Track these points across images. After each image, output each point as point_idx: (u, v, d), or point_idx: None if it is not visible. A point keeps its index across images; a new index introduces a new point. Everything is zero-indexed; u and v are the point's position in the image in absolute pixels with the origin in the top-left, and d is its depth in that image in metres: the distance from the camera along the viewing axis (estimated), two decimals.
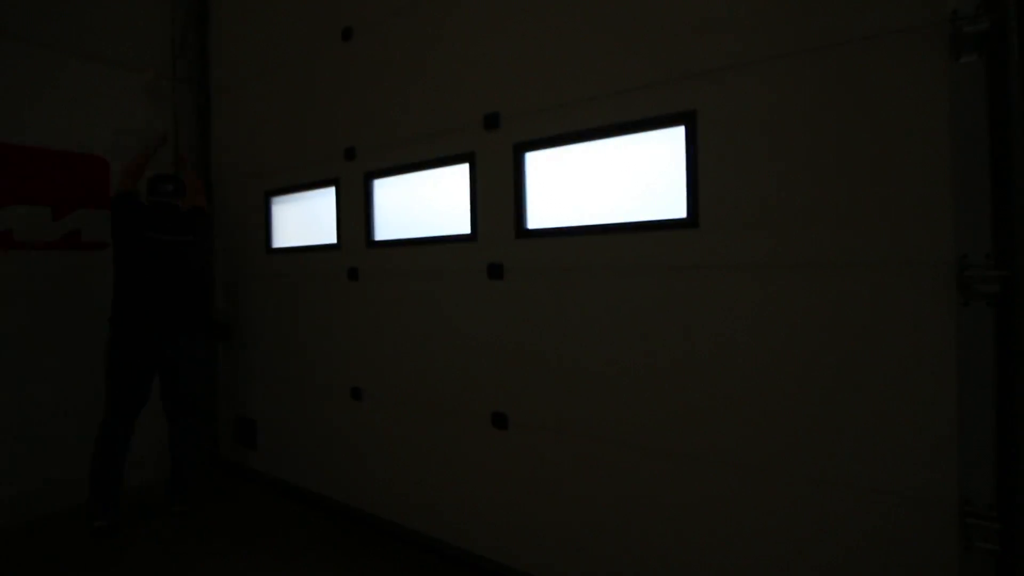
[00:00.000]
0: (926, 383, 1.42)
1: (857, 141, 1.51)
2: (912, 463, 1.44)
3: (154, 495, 3.02)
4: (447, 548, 2.41)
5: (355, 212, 2.79)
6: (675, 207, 1.83)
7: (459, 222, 2.38)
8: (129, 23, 3.28)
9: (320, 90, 2.95)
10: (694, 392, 1.77)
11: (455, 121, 2.36)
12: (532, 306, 2.14)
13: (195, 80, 3.60)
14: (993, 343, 1.35)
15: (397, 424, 2.63)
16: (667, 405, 1.83)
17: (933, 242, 1.41)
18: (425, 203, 2.55)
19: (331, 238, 2.92)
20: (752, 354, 1.67)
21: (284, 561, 2.42)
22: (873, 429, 1.48)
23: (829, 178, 1.55)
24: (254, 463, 3.39)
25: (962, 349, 1.37)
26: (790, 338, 1.60)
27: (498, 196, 2.23)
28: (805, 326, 1.58)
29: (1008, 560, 1.33)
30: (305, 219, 3.12)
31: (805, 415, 1.58)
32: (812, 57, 1.57)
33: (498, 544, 2.25)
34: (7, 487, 2.78)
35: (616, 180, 1.98)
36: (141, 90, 3.30)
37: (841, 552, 1.53)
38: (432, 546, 2.46)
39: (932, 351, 1.41)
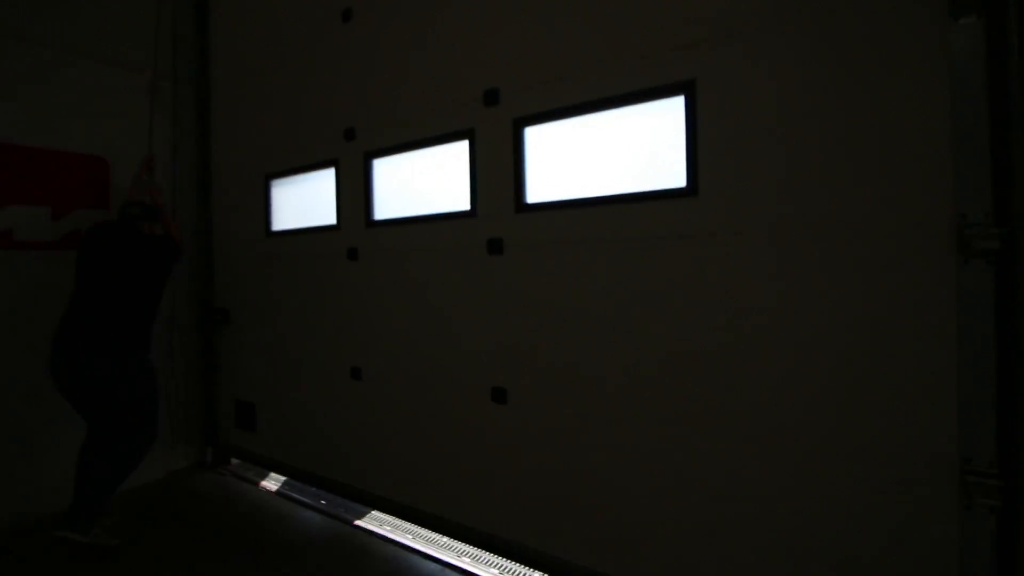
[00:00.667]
0: (928, 342, 1.42)
1: (858, 108, 1.51)
2: (913, 421, 1.44)
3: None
4: (448, 524, 2.41)
5: (355, 192, 2.77)
6: (676, 178, 1.83)
7: (459, 199, 2.38)
8: (129, 22, 3.26)
9: (320, 72, 2.95)
10: (697, 360, 1.78)
11: (455, 98, 2.36)
12: (532, 280, 2.14)
13: (194, 80, 3.60)
14: (993, 301, 1.35)
15: (397, 403, 2.62)
16: (671, 375, 1.83)
17: (934, 202, 1.41)
18: (425, 182, 2.55)
19: (331, 219, 2.91)
20: (755, 318, 1.66)
21: None
22: (874, 388, 1.49)
23: (830, 143, 1.55)
24: (254, 446, 3.39)
25: (963, 307, 1.37)
26: (791, 300, 1.61)
27: (498, 171, 2.23)
28: (805, 288, 1.59)
29: (1008, 516, 1.34)
30: (305, 201, 3.12)
31: (808, 378, 1.58)
32: (811, 23, 1.57)
33: (501, 517, 2.25)
34: (6, 487, 2.76)
35: (617, 153, 1.98)
36: (141, 90, 3.30)
37: (842, 509, 1.53)
38: (440, 524, 2.46)
39: (933, 310, 1.41)
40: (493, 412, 2.26)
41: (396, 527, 2.74)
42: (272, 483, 3.33)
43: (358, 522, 2.80)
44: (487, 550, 2.36)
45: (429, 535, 2.65)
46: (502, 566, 2.36)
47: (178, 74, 3.51)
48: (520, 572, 2.33)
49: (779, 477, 1.63)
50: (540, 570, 2.17)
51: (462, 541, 2.43)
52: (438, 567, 2.40)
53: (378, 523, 2.79)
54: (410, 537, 2.64)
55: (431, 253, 2.46)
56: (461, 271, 2.35)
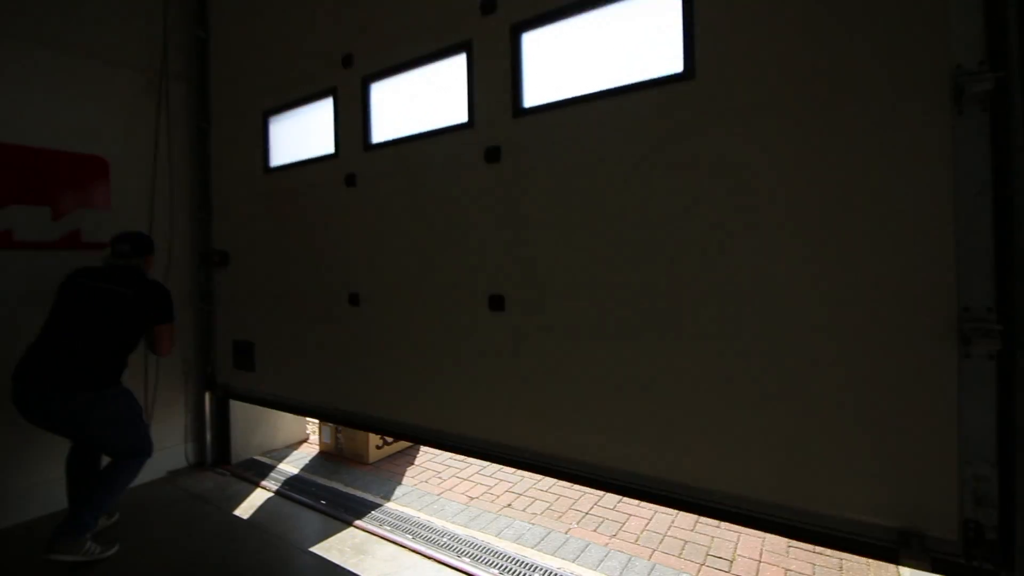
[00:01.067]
0: (924, 190, 1.39)
1: None
2: (911, 269, 1.41)
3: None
4: (448, 438, 2.39)
5: (353, 118, 2.72)
6: (673, 66, 1.79)
7: (456, 113, 2.33)
8: (129, 21, 3.27)
9: (317, 2, 2.91)
10: (699, 252, 1.74)
11: (450, 11, 2.30)
12: (530, 185, 2.09)
13: (194, 80, 3.59)
14: (989, 147, 1.33)
15: (395, 324, 2.57)
16: (672, 271, 1.79)
17: (929, 55, 1.38)
18: (422, 101, 2.50)
19: (329, 148, 2.85)
20: (752, 188, 1.63)
21: None
22: (872, 235, 1.46)
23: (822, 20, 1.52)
24: (253, 385, 3.34)
25: (959, 155, 1.35)
26: (791, 165, 1.57)
27: (495, 80, 2.17)
28: (805, 154, 1.55)
29: (1007, 363, 1.32)
30: (302, 135, 3.07)
31: (804, 231, 1.55)
32: None
33: (501, 424, 2.21)
34: (5, 487, 2.71)
35: (615, 51, 1.93)
36: (142, 89, 3.30)
37: (841, 361, 1.50)
38: (441, 439, 2.43)
39: (929, 158, 1.39)
40: (491, 320, 2.23)
41: (396, 527, 2.75)
42: (272, 483, 3.32)
43: (358, 522, 2.77)
44: (488, 460, 2.28)
45: (428, 535, 2.63)
46: (502, 566, 2.34)
47: (173, 69, 3.52)
48: (520, 572, 2.32)
49: (777, 329, 1.59)
50: (542, 472, 2.11)
51: (463, 454, 2.38)
52: (438, 567, 2.38)
53: (378, 523, 2.76)
54: (410, 537, 2.59)
55: (429, 169, 2.42)
56: (459, 183, 2.31)
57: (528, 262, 2.12)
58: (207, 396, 3.62)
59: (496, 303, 2.20)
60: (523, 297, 2.14)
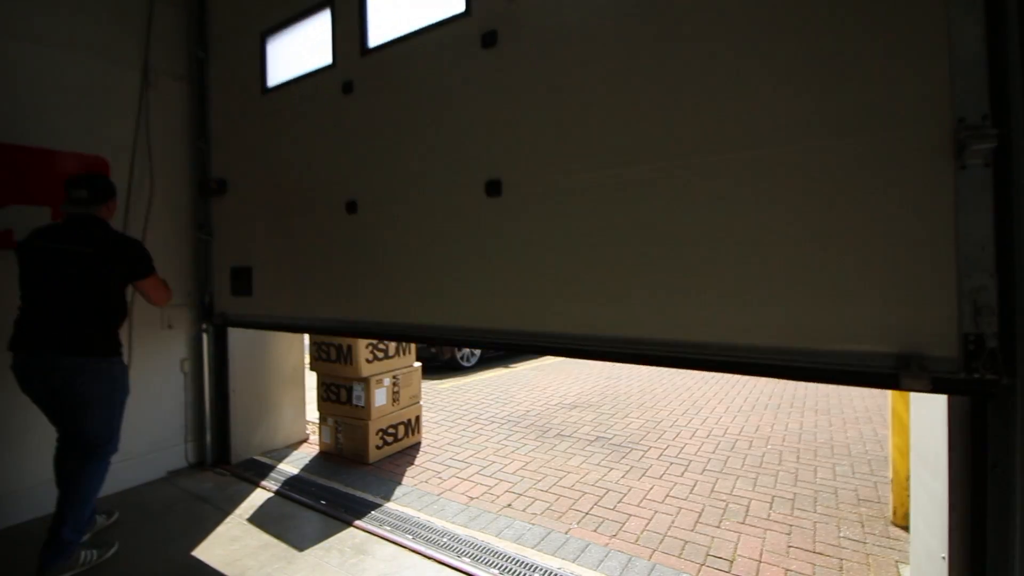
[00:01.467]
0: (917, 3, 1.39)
1: None
2: (905, 84, 1.40)
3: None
4: (455, 332, 2.40)
5: (350, 26, 2.74)
6: None
7: (454, 4, 2.35)
8: (129, 20, 3.27)
9: None
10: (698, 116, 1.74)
11: None
12: (527, 68, 2.11)
13: (194, 79, 3.60)
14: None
15: (394, 226, 2.59)
16: (669, 141, 1.80)
17: None
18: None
19: (326, 60, 2.88)
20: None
21: None
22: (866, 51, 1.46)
23: None
24: (251, 310, 3.35)
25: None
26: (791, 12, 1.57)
27: None
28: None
29: (1002, 166, 1.31)
30: (300, 52, 3.09)
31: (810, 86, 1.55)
32: None
33: (499, 313, 2.23)
34: (6, 485, 2.71)
35: None
36: (142, 88, 3.29)
37: (836, 177, 1.50)
38: (448, 335, 2.44)
39: (924, 23, 1.39)
40: (487, 206, 2.24)
41: (396, 527, 2.76)
42: (272, 483, 3.32)
43: (358, 522, 2.77)
44: (498, 348, 2.30)
45: (428, 535, 2.65)
46: (502, 566, 2.32)
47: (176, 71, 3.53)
48: (520, 572, 2.31)
49: (769, 163, 1.61)
50: (558, 353, 2.12)
51: (471, 347, 2.43)
52: (438, 567, 2.38)
53: (378, 523, 2.76)
54: (410, 537, 2.59)
55: (425, 62, 2.43)
56: (457, 73, 2.32)
57: (524, 143, 2.13)
58: (204, 338, 3.61)
59: (493, 188, 2.22)
60: (519, 179, 2.16)
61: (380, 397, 3.69)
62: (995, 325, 1.31)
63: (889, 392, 2.62)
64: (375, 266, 2.68)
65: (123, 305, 2.43)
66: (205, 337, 3.63)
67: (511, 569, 2.28)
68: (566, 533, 2.62)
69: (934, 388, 1.39)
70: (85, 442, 2.31)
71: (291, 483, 3.28)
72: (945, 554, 1.53)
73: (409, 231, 2.54)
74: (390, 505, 2.96)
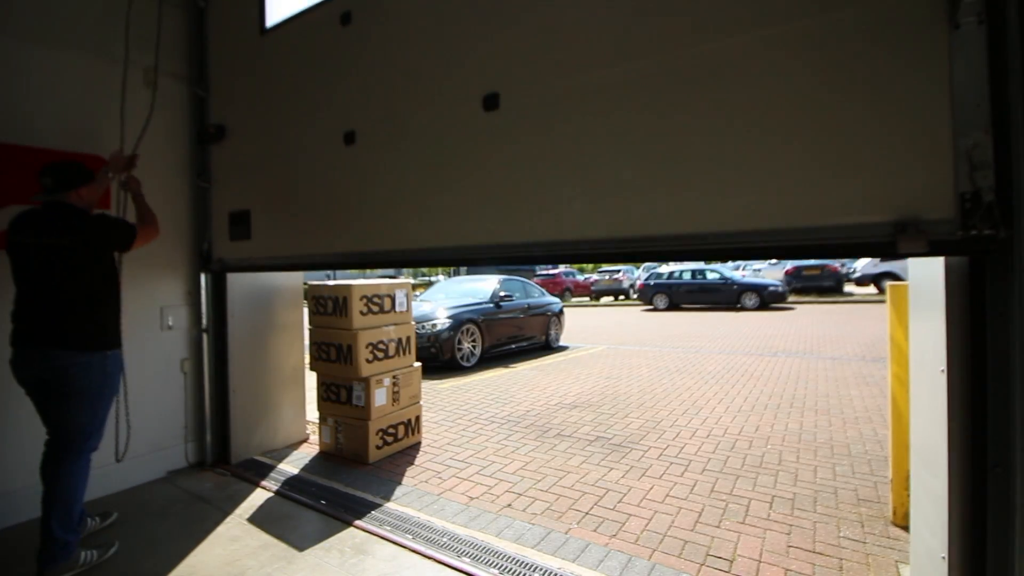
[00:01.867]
0: None
1: None
2: None
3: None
4: (444, 251, 2.45)
5: None
6: None
7: None
8: (129, 19, 3.26)
9: None
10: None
11: None
12: None
13: (194, 79, 3.59)
14: None
15: (392, 151, 2.61)
16: (667, 57, 1.81)
17: None
18: None
19: None
20: None
21: None
22: None
23: None
24: (250, 253, 3.37)
25: None
26: None
27: None
28: None
29: (995, 30, 1.31)
30: None
31: None
32: None
33: (500, 228, 2.25)
34: (5, 484, 2.71)
35: None
36: (142, 87, 3.29)
37: (836, 42, 1.52)
38: (431, 256, 2.52)
39: None
40: (484, 119, 2.25)
41: (396, 527, 2.76)
42: (272, 483, 3.32)
43: (358, 522, 2.77)
44: (506, 263, 2.34)
45: (428, 535, 2.64)
46: (502, 566, 2.31)
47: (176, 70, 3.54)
48: (520, 572, 2.31)
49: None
50: (563, 260, 2.23)
51: (477, 263, 2.47)
52: (438, 567, 2.38)
53: (378, 523, 2.76)
54: (410, 537, 2.59)
55: None
56: None
57: (523, 54, 2.15)
58: (203, 281, 3.60)
59: (491, 102, 2.23)
60: (518, 93, 2.16)
61: (380, 397, 3.69)
62: (991, 179, 1.33)
63: (888, 372, 2.62)
64: (375, 195, 2.70)
65: (113, 293, 2.42)
66: (204, 284, 3.61)
67: (511, 569, 2.28)
68: (566, 533, 2.62)
69: (931, 249, 1.41)
70: (67, 435, 2.30)
71: (291, 483, 3.28)
72: (945, 554, 1.53)
73: (409, 154, 2.55)
74: (390, 505, 2.96)
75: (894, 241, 1.44)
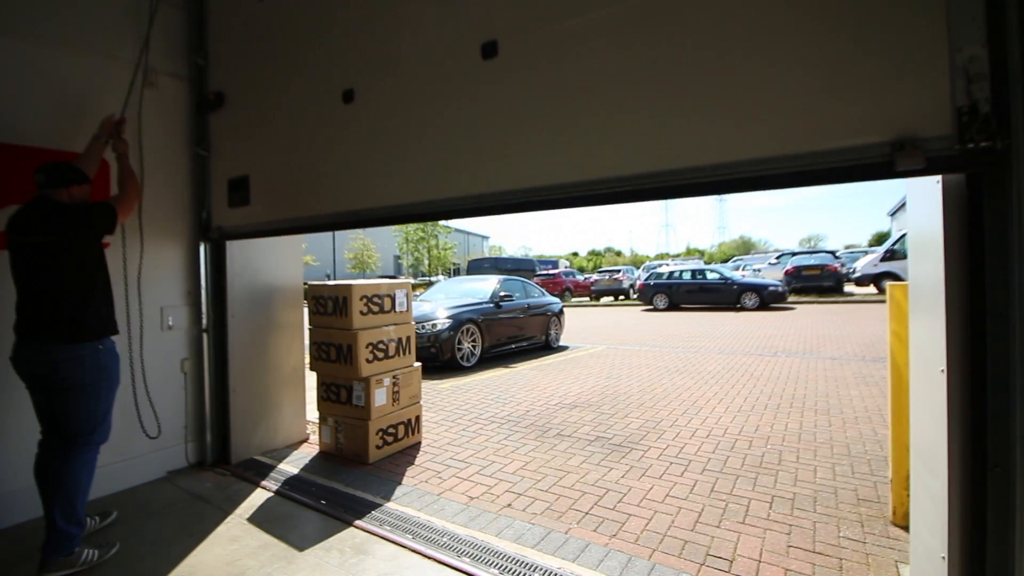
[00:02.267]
0: None
1: None
2: None
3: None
4: (444, 203, 2.46)
5: None
6: None
7: None
8: (130, 18, 3.27)
9: None
10: None
11: None
12: None
13: (193, 79, 3.60)
14: None
15: (391, 106, 2.62)
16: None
17: None
18: None
19: None
20: None
21: None
22: None
23: None
24: (249, 219, 3.38)
25: None
26: None
27: None
28: None
29: None
30: None
31: None
32: None
33: (499, 177, 2.25)
34: (5, 484, 2.70)
35: None
36: (142, 87, 3.29)
37: None
38: (431, 210, 2.54)
39: None
40: (483, 68, 2.26)
41: (396, 527, 2.76)
42: (272, 483, 3.32)
43: (358, 522, 2.77)
44: (511, 211, 2.34)
45: (428, 535, 2.65)
46: (502, 566, 2.31)
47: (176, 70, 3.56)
48: (520, 572, 2.31)
49: None
50: (570, 204, 2.14)
51: (482, 214, 2.43)
52: (438, 567, 2.38)
53: (378, 523, 2.76)
54: (410, 537, 2.59)
55: None
56: None
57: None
58: (202, 251, 3.60)
59: (489, 50, 2.24)
60: (514, 41, 2.18)
61: (380, 397, 3.69)
62: (988, 91, 1.34)
63: (888, 371, 2.62)
64: (373, 151, 2.71)
65: (99, 283, 2.43)
66: (203, 254, 3.60)
67: (511, 569, 2.28)
68: (566, 533, 2.62)
69: (928, 166, 1.41)
70: (69, 431, 2.32)
71: (291, 483, 3.29)
72: (945, 554, 1.53)
73: (408, 108, 2.56)
74: (390, 505, 2.96)
75: (892, 160, 1.45)
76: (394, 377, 3.83)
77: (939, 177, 1.52)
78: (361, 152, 2.78)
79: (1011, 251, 1.33)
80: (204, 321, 3.61)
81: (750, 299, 16.05)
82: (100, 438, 2.41)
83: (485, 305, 8.09)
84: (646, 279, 19.11)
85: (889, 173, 1.47)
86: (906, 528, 2.37)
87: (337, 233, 40.48)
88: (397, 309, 3.96)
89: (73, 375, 2.28)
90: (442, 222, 36.27)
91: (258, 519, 2.81)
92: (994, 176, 1.37)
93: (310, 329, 3.92)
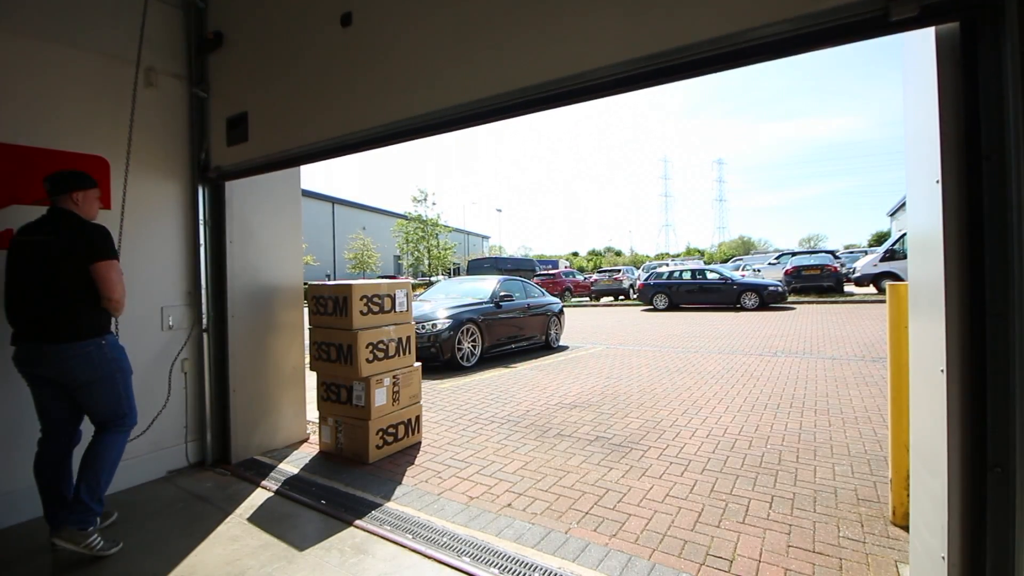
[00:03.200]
0: None
1: None
2: None
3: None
4: (448, 111, 2.48)
5: None
6: None
7: None
8: (130, 17, 3.27)
9: None
10: None
11: None
12: None
13: (194, 79, 3.60)
14: None
15: (390, 23, 2.65)
16: None
17: None
18: None
19: None
20: None
21: None
22: None
23: None
24: (248, 155, 3.38)
25: None
26: None
27: None
28: None
29: None
30: None
31: None
32: None
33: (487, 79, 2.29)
34: (5, 484, 2.70)
35: None
36: (142, 86, 3.29)
37: None
38: (432, 121, 2.55)
39: None
40: None
41: (396, 527, 2.76)
42: (272, 483, 3.32)
43: (358, 522, 2.77)
44: (485, 120, 2.41)
45: (428, 535, 2.64)
46: (502, 566, 2.31)
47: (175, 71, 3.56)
48: (520, 572, 2.31)
49: None
50: (523, 110, 2.22)
51: (487, 119, 2.46)
52: (438, 567, 2.38)
53: (378, 523, 2.76)
54: (410, 537, 2.59)
55: None
56: None
57: None
58: (200, 197, 3.60)
59: None
60: None
61: (380, 397, 3.69)
62: None
63: (888, 381, 2.62)
64: (371, 71, 2.74)
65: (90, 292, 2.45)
66: (201, 200, 3.59)
67: (511, 568, 2.28)
68: (566, 533, 2.62)
69: (921, 14, 1.43)
70: (100, 421, 2.49)
71: (291, 483, 3.29)
72: (945, 554, 1.53)
73: (407, 22, 2.58)
74: (390, 505, 2.97)
75: (887, 11, 1.46)
76: (394, 377, 3.83)
77: (939, 177, 1.52)
78: (360, 73, 2.81)
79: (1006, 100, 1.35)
80: (204, 321, 3.61)
81: (750, 299, 16.06)
82: (131, 421, 2.58)
83: (485, 305, 8.09)
84: (646, 279, 19.11)
85: (883, 26, 1.49)
86: (906, 528, 2.37)
87: (337, 233, 40.49)
88: (397, 309, 3.96)
89: (86, 372, 2.39)
90: (442, 221, 36.38)
91: (258, 519, 2.82)
92: (988, 28, 1.38)
93: (310, 329, 3.92)
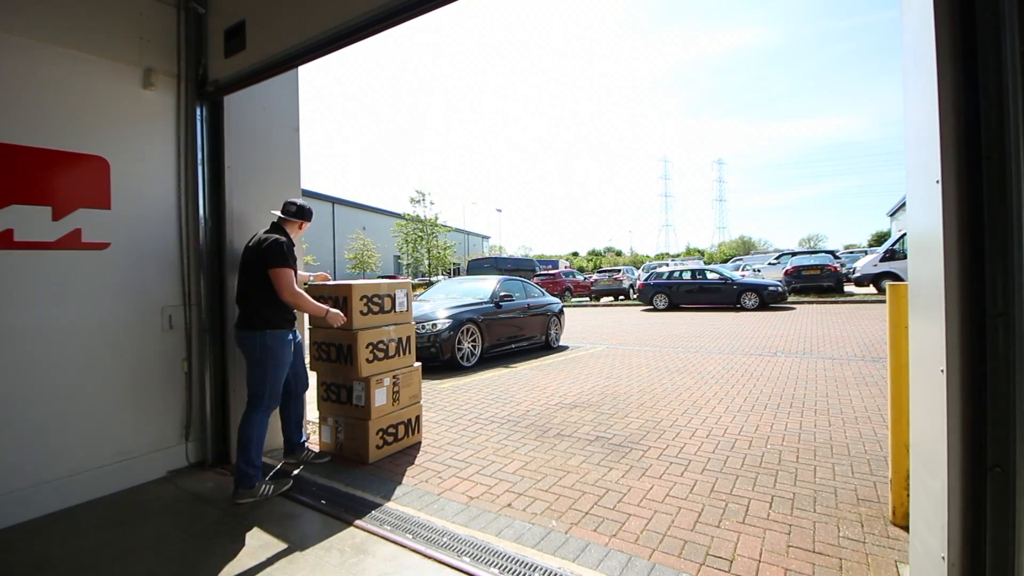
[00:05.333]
0: None
1: None
2: None
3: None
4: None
5: None
6: None
7: None
8: (130, 17, 3.27)
9: None
10: None
11: None
12: None
13: (196, 80, 3.59)
14: None
15: None
16: None
17: None
18: None
19: None
20: None
21: None
22: None
23: None
24: (247, 63, 3.35)
25: None
26: None
27: None
28: None
29: None
30: None
31: None
32: None
33: None
34: (6, 484, 2.70)
35: None
36: (141, 86, 3.29)
37: None
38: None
39: None
40: None
41: (396, 527, 2.75)
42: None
43: (358, 522, 2.77)
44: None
45: (428, 535, 2.64)
46: (502, 566, 2.32)
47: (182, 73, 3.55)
48: (520, 572, 2.31)
49: None
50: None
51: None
52: (438, 567, 2.38)
53: (378, 523, 2.76)
54: (410, 537, 2.59)
55: None
56: None
57: None
58: (197, 116, 3.57)
59: None
60: None
61: (380, 397, 3.69)
62: None
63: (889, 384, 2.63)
64: None
65: (273, 292, 3.07)
66: (199, 119, 3.58)
67: (511, 569, 2.28)
68: (566, 533, 2.62)
69: None
70: (248, 394, 3.12)
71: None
72: (945, 554, 1.53)
73: None
74: (390, 505, 2.97)
75: None
76: (394, 377, 3.83)
77: (939, 177, 1.51)
78: None
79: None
80: (204, 321, 3.61)
81: (750, 299, 16.05)
82: (268, 403, 3.12)
83: (485, 305, 8.09)
84: (646, 279, 19.10)
85: None
86: (906, 528, 2.37)
87: (337, 233, 40.46)
88: (397, 309, 3.96)
89: (250, 352, 3.09)
90: (440, 221, 36.36)
91: (258, 519, 2.81)
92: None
93: (310, 329, 3.91)
